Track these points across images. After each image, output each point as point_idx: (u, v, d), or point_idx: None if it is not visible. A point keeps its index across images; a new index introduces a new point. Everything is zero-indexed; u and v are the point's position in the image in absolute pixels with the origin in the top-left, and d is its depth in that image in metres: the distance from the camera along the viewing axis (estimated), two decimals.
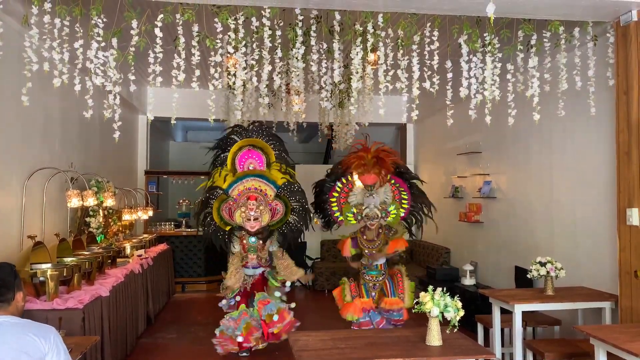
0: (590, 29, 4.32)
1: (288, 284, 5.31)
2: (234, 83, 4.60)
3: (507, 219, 6.33)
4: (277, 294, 5.25)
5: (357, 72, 4.18)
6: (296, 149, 11.60)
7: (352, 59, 4.18)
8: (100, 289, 4.30)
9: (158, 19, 3.83)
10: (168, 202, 11.81)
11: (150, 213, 8.17)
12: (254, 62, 4.34)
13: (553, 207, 5.38)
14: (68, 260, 4.43)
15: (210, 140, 6.62)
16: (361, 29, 4.16)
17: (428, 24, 4.16)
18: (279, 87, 4.51)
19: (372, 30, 4.11)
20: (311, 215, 5.39)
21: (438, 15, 4.14)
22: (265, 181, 5.20)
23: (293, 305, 5.31)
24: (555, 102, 4.45)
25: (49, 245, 4.42)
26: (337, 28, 4.20)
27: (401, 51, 4.26)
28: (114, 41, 3.85)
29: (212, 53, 4.06)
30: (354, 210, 5.11)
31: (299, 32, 4.09)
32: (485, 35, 4.19)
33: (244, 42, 4.06)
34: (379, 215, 5.04)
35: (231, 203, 5.14)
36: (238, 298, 5.21)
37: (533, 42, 4.29)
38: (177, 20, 3.85)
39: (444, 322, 3.16)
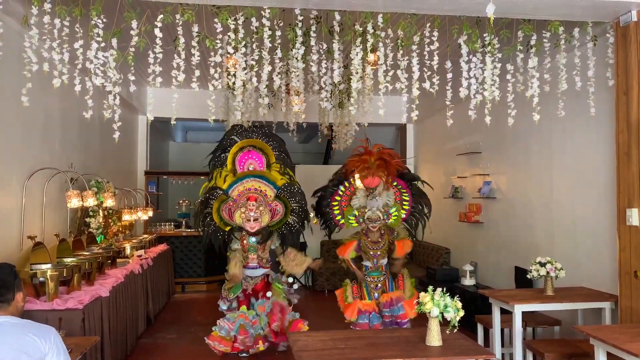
0: (590, 29, 4.32)
1: (295, 286, 5.30)
2: (233, 83, 4.61)
3: (507, 219, 6.33)
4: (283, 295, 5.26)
5: (357, 73, 4.18)
6: (296, 150, 11.62)
7: (352, 59, 4.18)
8: (100, 290, 4.30)
9: (158, 20, 3.83)
10: (168, 202, 11.80)
11: (150, 213, 8.17)
12: (253, 63, 4.34)
13: (553, 207, 5.38)
14: (68, 260, 4.42)
15: (210, 140, 6.60)
16: (361, 29, 4.16)
17: (428, 25, 4.16)
18: (278, 87, 4.50)
19: (371, 31, 4.11)
20: (310, 216, 5.38)
21: (438, 16, 4.14)
22: (265, 182, 5.21)
23: (296, 286, 5.25)
24: (555, 102, 4.45)
25: (49, 245, 4.41)
26: (337, 28, 4.20)
27: (401, 51, 4.25)
28: (114, 41, 3.85)
29: (212, 53, 4.06)
30: (356, 212, 5.10)
31: (299, 32, 4.09)
32: (485, 35, 4.19)
33: (243, 43, 4.06)
34: (381, 218, 5.05)
35: (231, 203, 5.15)
36: (241, 296, 5.20)
37: (533, 42, 4.29)
38: (177, 21, 3.85)
39: (444, 323, 3.16)
